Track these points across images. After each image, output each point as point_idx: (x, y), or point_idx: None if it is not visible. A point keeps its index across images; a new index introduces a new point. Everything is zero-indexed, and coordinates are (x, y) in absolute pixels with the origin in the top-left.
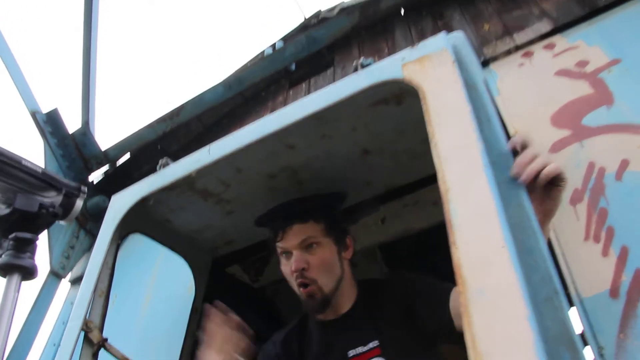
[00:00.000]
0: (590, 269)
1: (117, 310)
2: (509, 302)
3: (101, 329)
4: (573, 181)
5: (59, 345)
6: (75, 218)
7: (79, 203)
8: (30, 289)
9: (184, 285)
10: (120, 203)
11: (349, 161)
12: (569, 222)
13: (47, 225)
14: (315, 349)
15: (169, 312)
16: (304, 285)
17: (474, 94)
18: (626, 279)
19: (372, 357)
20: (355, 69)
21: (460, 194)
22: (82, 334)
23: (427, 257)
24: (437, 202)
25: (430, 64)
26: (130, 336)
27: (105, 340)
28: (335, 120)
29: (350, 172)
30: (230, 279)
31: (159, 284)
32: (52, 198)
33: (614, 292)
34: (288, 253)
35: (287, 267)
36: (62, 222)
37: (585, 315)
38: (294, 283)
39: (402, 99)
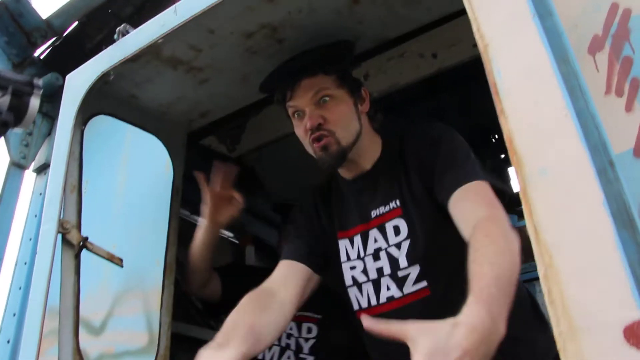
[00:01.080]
0: (612, 126)
1: (90, 203)
2: (579, 185)
3: (79, 228)
4: (592, 27)
5: (35, 239)
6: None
7: (35, 102)
8: None
9: (161, 165)
10: (78, 82)
11: (336, 13)
12: (587, 74)
13: None
14: (342, 208)
15: (150, 196)
16: (318, 139)
17: None
18: None
19: (393, 218)
20: None
21: (505, 49)
22: (60, 237)
23: (410, 112)
24: (424, 54)
25: None
26: (111, 229)
27: (86, 239)
28: None
29: (337, 26)
30: (206, 150)
31: (133, 167)
32: None
33: (638, 151)
34: (300, 112)
35: (301, 128)
36: (17, 130)
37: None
38: (307, 143)
39: None
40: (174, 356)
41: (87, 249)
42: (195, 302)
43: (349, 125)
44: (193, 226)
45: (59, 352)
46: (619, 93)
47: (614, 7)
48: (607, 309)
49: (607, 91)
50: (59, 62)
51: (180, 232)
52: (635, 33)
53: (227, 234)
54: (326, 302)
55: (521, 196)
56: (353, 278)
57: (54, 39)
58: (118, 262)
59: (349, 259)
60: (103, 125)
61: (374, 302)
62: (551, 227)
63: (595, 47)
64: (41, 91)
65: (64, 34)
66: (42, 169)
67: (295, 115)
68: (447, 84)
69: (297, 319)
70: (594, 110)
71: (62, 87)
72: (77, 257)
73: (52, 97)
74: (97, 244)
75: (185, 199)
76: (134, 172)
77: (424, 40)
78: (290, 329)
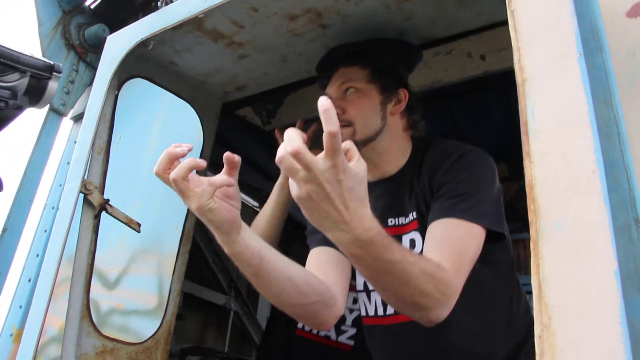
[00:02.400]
0: None
1: (117, 165)
2: (593, 248)
3: (102, 190)
4: None
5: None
6: (72, 48)
7: (53, 85)
8: (31, 129)
9: (191, 134)
10: (117, 46)
11: (385, 6)
12: (636, 107)
13: (10, 118)
14: None
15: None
16: None
17: None
18: None
19: (410, 231)
20: None
21: (545, 88)
22: (82, 196)
23: (450, 106)
24: (472, 54)
25: None
26: (138, 188)
27: (107, 201)
28: None
29: (384, 20)
30: (241, 121)
31: (164, 133)
32: (14, 82)
33: None
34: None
35: None
36: (34, 108)
37: None
38: None
39: None
40: (185, 315)
41: (107, 211)
42: (211, 266)
43: (369, 121)
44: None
45: (68, 307)
46: None
47: None
48: None
49: None
50: (107, 13)
51: None
52: None
53: (253, 202)
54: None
55: (531, 247)
56: (365, 283)
57: None
58: (136, 227)
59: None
60: (143, 87)
61: (380, 312)
62: (556, 288)
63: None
64: (60, 74)
65: None
66: (80, 117)
67: None
68: (494, 83)
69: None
70: (629, 161)
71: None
72: (97, 217)
73: (97, 48)
74: (122, 200)
75: (216, 162)
76: (166, 135)
77: (475, 41)
78: None
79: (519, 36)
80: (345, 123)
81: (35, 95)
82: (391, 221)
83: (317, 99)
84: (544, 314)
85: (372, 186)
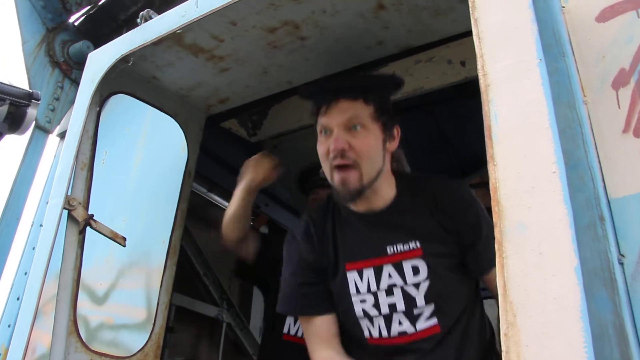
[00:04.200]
0: (625, 166)
1: (103, 181)
2: (554, 247)
3: (86, 206)
4: (620, 59)
5: None
6: (57, 65)
7: (32, 112)
8: (17, 146)
9: (176, 148)
10: (98, 63)
11: (361, 16)
12: (607, 110)
13: None
14: (349, 239)
15: (161, 177)
16: (341, 167)
17: None
18: None
19: (412, 258)
20: None
21: (506, 93)
22: (66, 212)
23: (432, 112)
24: (452, 61)
25: None
26: (124, 203)
27: (91, 217)
28: None
29: (361, 29)
30: (227, 133)
31: (149, 148)
32: None
33: None
34: (328, 131)
35: (324, 146)
36: (14, 134)
37: (610, 218)
38: (327, 166)
39: None
40: (177, 328)
41: (91, 227)
42: (203, 279)
43: (374, 161)
44: (209, 203)
45: (54, 323)
46: (637, 133)
47: None
48: None
49: (625, 129)
50: (92, 30)
51: (196, 208)
52: None
53: None
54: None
55: (496, 248)
56: (364, 311)
57: (89, 7)
58: (121, 241)
59: (358, 292)
60: (128, 103)
61: (385, 334)
62: (520, 286)
63: (620, 81)
64: (39, 102)
65: (99, 3)
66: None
67: (323, 132)
68: (477, 88)
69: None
70: (593, 161)
71: None
72: (82, 233)
73: (82, 65)
74: (109, 215)
75: (202, 175)
76: (151, 149)
77: (454, 48)
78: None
79: (482, 43)
80: (350, 162)
81: (14, 122)
82: (390, 249)
83: (301, 110)
84: (509, 312)
85: (363, 216)
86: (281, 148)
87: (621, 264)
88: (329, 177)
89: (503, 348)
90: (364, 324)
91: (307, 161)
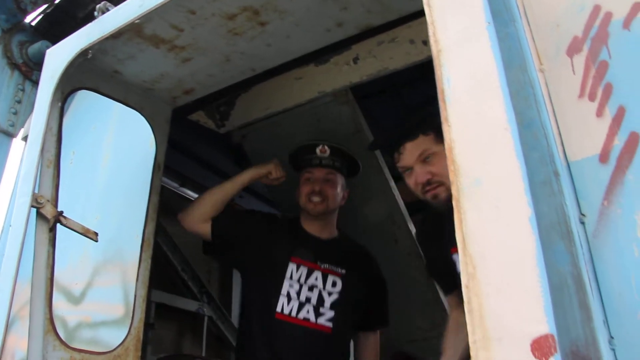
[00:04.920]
0: (582, 129)
1: (72, 180)
2: (509, 199)
3: (55, 203)
4: (573, 28)
5: None
6: (16, 67)
7: None
8: None
9: (144, 142)
10: (57, 58)
11: None
12: (563, 76)
13: None
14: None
15: (131, 173)
16: (430, 188)
17: None
18: (619, 142)
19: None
20: None
21: (457, 57)
22: (34, 211)
23: (400, 95)
24: (414, 41)
25: None
26: (95, 201)
27: (61, 213)
28: None
29: (320, 11)
30: (195, 126)
31: (117, 144)
32: None
33: (603, 157)
34: (409, 169)
35: (412, 181)
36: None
37: (570, 180)
38: (419, 193)
39: None
40: (158, 325)
41: (61, 223)
42: (181, 274)
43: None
44: (182, 198)
45: (30, 323)
46: (592, 97)
47: (596, 10)
48: (519, 323)
49: (581, 95)
50: (50, 30)
51: (170, 204)
52: (613, 37)
53: None
54: (347, 255)
55: (454, 205)
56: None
57: (45, 6)
58: (93, 236)
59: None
60: (93, 100)
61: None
62: (478, 239)
63: (573, 49)
64: None
65: (56, 2)
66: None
67: (405, 171)
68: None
69: (324, 271)
70: (546, 120)
71: None
72: (52, 230)
73: (42, 66)
74: (80, 213)
75: (173, 170)
76: (119, 145)
77: (415, 27)
78: (316, 279)
79: (432, 11)
80: (437, 184)
81: None
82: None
83: (268, 98)
84: (469, 264)
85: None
86: (250, 137)
87: (582, 223)
88: (422, 198)
89: (465, 299)
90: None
91: (276, 148)
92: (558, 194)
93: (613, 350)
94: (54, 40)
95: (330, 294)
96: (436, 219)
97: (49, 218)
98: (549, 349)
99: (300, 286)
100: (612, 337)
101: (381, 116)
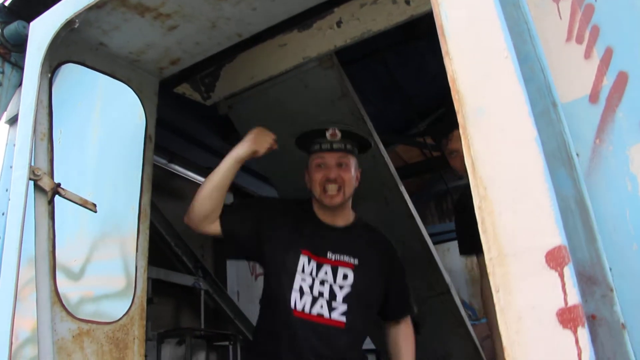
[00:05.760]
0: (571, 72)
1: (65, 152)
2: (513, 122)
3: (51, 174)
4: None
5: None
6: None
7: None
8: None
9: (133, 113)
10: (42, 30)
11: None
12: (550, 21)
13: None
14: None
15: (124, 144)
16: None
17: None
18: (607, 82)
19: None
20: None
21: None
22: (32, 183)
23: (384, 60)
24: (396, 1)
25: None
26: (87, 177)
27: (59, 185)
28: None
29: None
30: (181, 102)
31: (106, 118)
32: None
33: (593, 97)
34: (454, 153)
35: (457, 161)
36: None
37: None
38: (463, 173)
39: None
40: (153, 301)
41: (60, 195)
42: (175, 249)
43: None
44: (171, 174)
45: (37, 294)
46: (579, 40)
47: None
48: (532, 237)
49: (568, 38)
50: (25, 9)
51: (159, 181)
52: None
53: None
54: (361, 244)
55: (461, 133)
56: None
57: None
58: (92, 207)
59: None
60: (79, 75)
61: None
62: (487, 162)
63: None
64: None
65: None
66: (15, 120)
67: (451, 154)
68: (423, 29)
69: (334, 264)
70: (541, 54)
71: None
72: (51, 202)
73: (21, 47)
74: (73, 189)
75: (161, 147)
76: (108, 120)
77: None
78: (326, 273)
79: None
80: None
81: None
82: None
83: (253, 66)
84: (480, 187)
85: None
86: (237, 108)
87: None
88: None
89: (478, 220)
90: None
91: (264, 117)
92: (557, 122)
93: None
94: (30, 20)
95: (341, 287)
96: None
97: (47, 190)
98: (562, 259)
99: (313, 280)
100: (610, 269)
101: (363, 82)
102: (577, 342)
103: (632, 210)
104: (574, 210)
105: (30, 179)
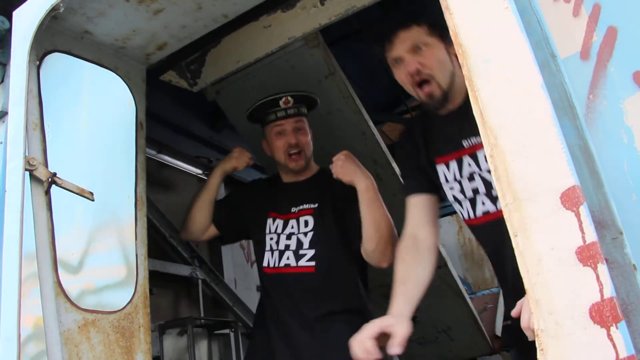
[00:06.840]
0: (561, 30)
1: (57, 143)
2: (519, 70)
3: (46, 164)
4: None
5: (3, 187)
6: None
7: None
8: None
9: (122, 102)
10: (27, 18)
11: None
12: None
13: None
14: (435, 138)
15: (115, 133)
16: (421, 84)
17: None
18: (597, 38)
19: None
20: None
21: None
22: (27, 174)
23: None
24: None
25: None
26: (80, 169)
27: (55, 174)
28: None
29: None
30: (168, 92)
31: (95, 107)
32: None
33: (584, 54)
34: (399, 60)
35: (402, 73)
36: None
37: None
38: (410, 88)
39: None
40: (152, 292)
41: (57, 184)
42: (169, 240)
43: (444, 68)
44: (161, 165)
45: (40, 286)
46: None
47: None
48: (546, 180)
49: None
50: (2, 4)
51: (149, 172)
52: None
53: (196, 170)
54: (321, 189)
55: (467, 85)
56: (454, 197)
57: None
58: (89, 196)
59: (447, 181)
60: (62, 64)
61: (472, 215)
62: (495, 111)
63: None
64: None
65: None
66: (1, 116)
67: (395, 63)
68: (406, 4)
69: (298, 215)
70: (537, 7)
71: (9, 30)
72: (47, 193)
73: (1, 43)
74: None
75: (151, 138)
76: (98, 108)
77: None
78: (292, 227)
79: None
80: (428, 77)
81: None
82: (465, 142)
83: (238, 50)
84: (490, 136)
85: (444, 117)
86: (224, 93)
87: None
88: (415, 96)
89: (491, 168)
90: (456, 208)
91: (252, 101)
92: (557, 73)
93: None
94: (8, 15)
95: (305, 234)
96: (425, 125)
97: (43, 180)
98: (577, 199)
99: (279, 236)
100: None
101: (348, 62)
102: (597, 278)
103: (629, 162)
104: (579, 158)
105: (25, 169)
